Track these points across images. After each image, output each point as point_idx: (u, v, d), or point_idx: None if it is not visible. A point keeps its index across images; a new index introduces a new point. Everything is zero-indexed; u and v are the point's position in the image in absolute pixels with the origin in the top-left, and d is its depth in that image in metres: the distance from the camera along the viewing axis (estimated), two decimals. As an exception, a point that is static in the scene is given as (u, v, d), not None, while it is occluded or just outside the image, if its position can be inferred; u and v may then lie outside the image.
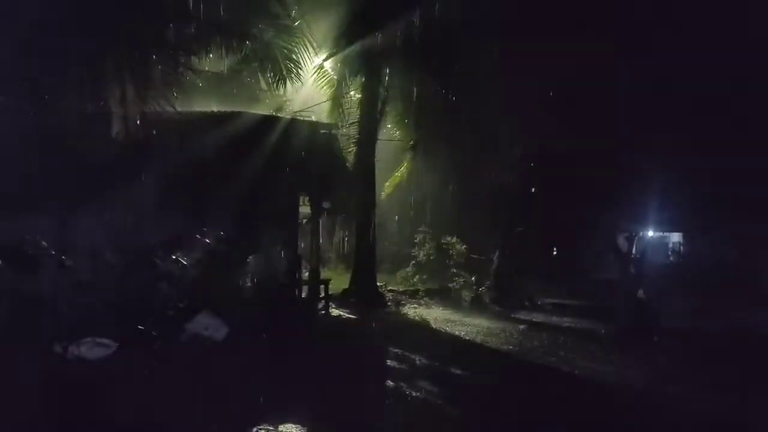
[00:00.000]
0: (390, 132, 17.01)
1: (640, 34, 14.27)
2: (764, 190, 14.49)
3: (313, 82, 14.90)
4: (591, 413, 6.28)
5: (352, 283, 14.81)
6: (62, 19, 9.49)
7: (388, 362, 8.43)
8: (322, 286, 12.70)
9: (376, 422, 5.75)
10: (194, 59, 12.13)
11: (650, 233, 16.20)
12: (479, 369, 8.17)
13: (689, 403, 6.66)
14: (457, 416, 6.06)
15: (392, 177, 17.13)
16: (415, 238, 19.67)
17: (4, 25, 9.27)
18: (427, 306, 14.78)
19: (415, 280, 18.50)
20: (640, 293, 11.65)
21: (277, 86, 12.24)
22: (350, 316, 12.46)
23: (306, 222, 13.56)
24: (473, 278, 16.99)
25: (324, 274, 14.04)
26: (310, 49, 12.97)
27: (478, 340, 10.42)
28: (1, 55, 9.07)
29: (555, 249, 17.75)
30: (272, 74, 12.00)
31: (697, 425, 5.97)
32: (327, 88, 15.08)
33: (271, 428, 5.21)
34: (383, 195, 17.24)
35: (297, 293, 12.02)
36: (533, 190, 16.95)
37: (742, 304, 12.33)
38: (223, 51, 11.71)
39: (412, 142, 16.36)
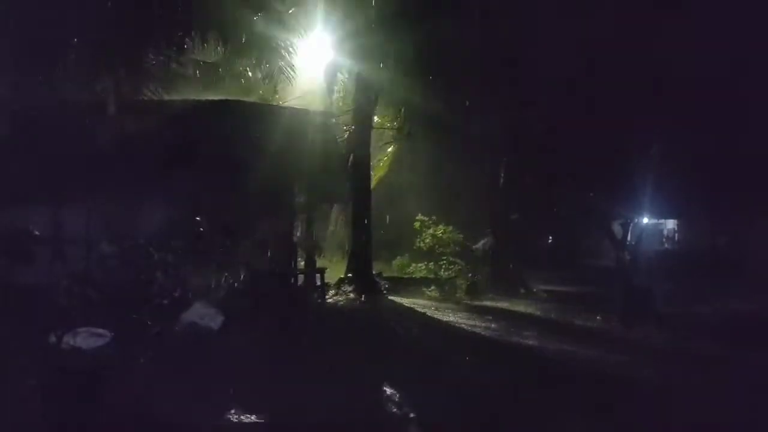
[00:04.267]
0: (384, 120, 16.97)
1: (637, 18, 14.20)
2: (759, 177, 14.52)
3: (306, 71, 14.81)
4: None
5: (347, 271, 14.81)
6: (55, 8, 9.43)
7: (383, 349, 8.46)
8: (317, 275, 12.71)
9: (371, 413, 5.76)
10: (188, 49, 12.06)
11: (645, 220, 16.24)
12: (466, 352, 8.27)
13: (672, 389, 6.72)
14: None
15: (377, 167, 17.05)
16: (411, 227, 19.67)
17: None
18: (423, 294, 14.83)
19: (411, 268, 18.52)
20: (635, 280, 11.73)
21: (271, 77, 12.17)
22: (346, 304, 12.49)
23: (301, 210, 13.55)
24: (469, 266, 17.03)
25: (319, 262, 14.06)
26: (305, 39, 12.90)
27: (471, 326, 10.51)
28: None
29: (550, 236, 17.79)
30: (266, 64, 11.93)
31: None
32: (321, 76, 15.02)
33: (270, 416, 5.24)
34: (372, 183, 17.20)
35: (293, 282, 12.04)
36: (528, 177, 16.95)
37: (734, 289, 12.42)
38: (218, 41, 11.63)
39: (405, 130, 16.31)
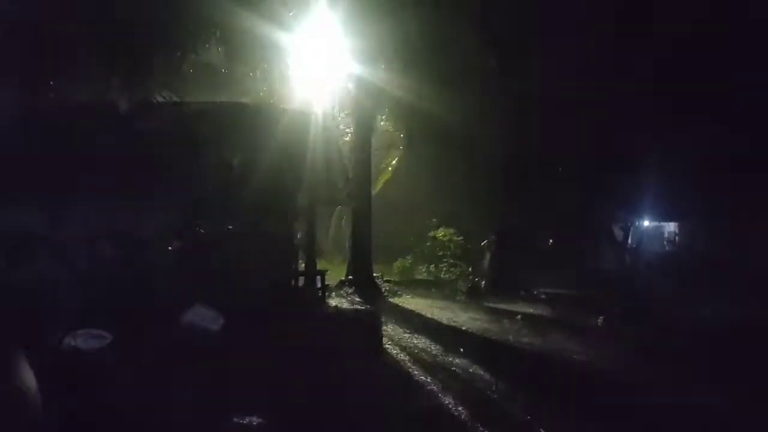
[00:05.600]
0: (384, 123, 16.99)
1: (639, 18, 14.18)
2: (761, 179, 14.49)
3: (309, 73, 14.85)
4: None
5: (348, 273, 14.84)
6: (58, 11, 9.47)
7: (382, 351, 8.49)
8: (318, 277, 12.72)
9: (368, 413, 5.77)
10: (190, 51, 12.10)
11: (646, 223, 16.22)
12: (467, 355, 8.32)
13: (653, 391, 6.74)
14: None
15: (383, 172, 17.09)
16: (412, 229, 19.67)
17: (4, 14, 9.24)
18: (423, 296, 14.82)
19: (411, 270, 18.53)
20: (636, 282, 11.72)
21: (272, 79, 12.19)
22: (346, 306, 12.49)
23: (302, 213, 13.55)
24: (470, 268, 17.02)
25: (320, 264, 14.06)
26: (306, 41, 12.95)
27: (470, 328, 10.54)
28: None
29: (551, 239, 17.76)
30: (267, 66, 11.95)
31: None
32: (322, 79, 15.05)
33: (269, 417, 5.24)
34: (375, 189, 17.23)
35: (294, 284, 12.04)
36: (529, 180, 16.94)
37: (736, 292, 12.39)
38: (220, 44, 11.67)
39: (405, 133, 16.33)
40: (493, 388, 6.67)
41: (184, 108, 11.14)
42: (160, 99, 10.86)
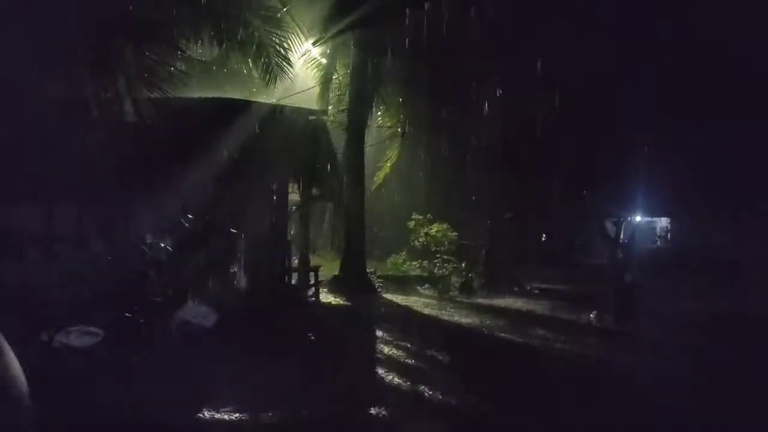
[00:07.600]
0: (380, 118, 16.96)
1: (630, 12, 14.22)
2: (752, 175, 14.59)
3: (302, 69, 14.79)
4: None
5: (341, 270, 14.82)
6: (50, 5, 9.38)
7: (374, 347, 8.53)
8: (311, 273, 12.72)
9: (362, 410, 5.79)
10: (185, 47, 12.02)
11: (638, 218, 16.29)
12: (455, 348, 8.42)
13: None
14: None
15: (382, 168, 17.05)
16: (406, 225, 19.64)
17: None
18: (416, 292, 14.86)
19: (405, 266, 18.52)
20: (628, 277, 11.77)
21: (267, 76, 12.12)
22: (339, 302, 12.51)
23: (295, 209, 13.54)
24: (463, 264, 17.05)
25: (314, 261, 14.06)
26: (300, 36, 12.89)
27: (460, 323, 10.62)
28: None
29: (544, 235, 17.83)
30: (263, 63, 11.89)
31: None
32: (316, 74, 15.01)
33: (263, 414, 5.25)
34: (373, 186, 17.20)
35: (287, 280, 12.05)
36: (523, 176, 16.98)
37: (727, 287, 12.50)
38: (214, 40, 11.59)
39: (400, 129, 16.30)
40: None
41: (177, 104, 11.08)
42: (151, 95, 10.78)
